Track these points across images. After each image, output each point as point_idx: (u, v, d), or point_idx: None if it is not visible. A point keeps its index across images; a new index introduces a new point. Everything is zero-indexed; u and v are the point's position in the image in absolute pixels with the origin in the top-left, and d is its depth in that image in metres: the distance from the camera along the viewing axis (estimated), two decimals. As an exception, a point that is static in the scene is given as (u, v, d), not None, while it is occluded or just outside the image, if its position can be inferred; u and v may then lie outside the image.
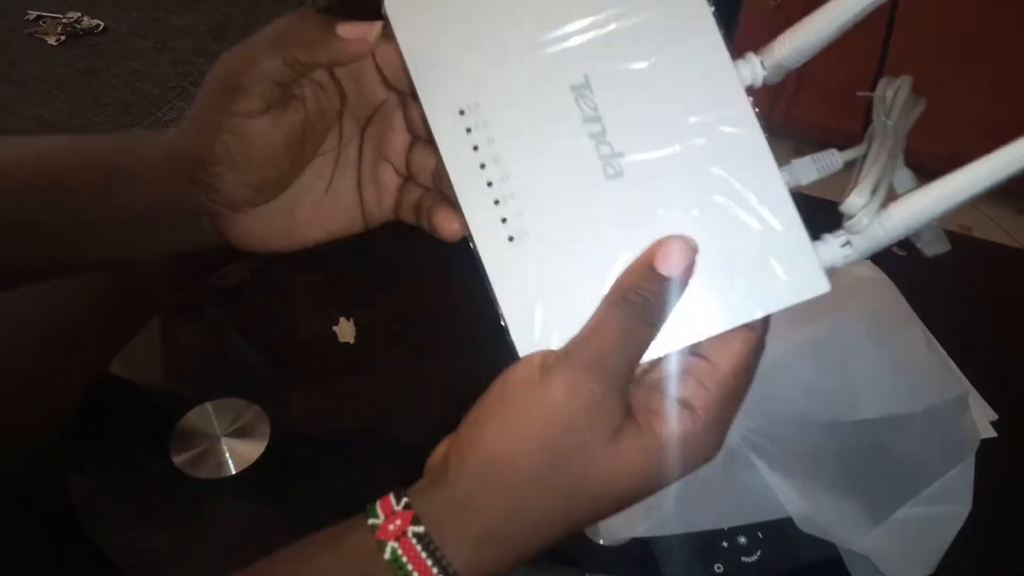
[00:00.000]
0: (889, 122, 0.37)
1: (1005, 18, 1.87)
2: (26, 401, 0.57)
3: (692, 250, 0.33)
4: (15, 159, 0.46)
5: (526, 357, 0.34)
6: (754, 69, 0.37)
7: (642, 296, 0.32)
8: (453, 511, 0.33)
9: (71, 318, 0.60)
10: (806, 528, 0.53)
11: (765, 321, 0.35)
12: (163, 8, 0.98)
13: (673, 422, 0.33)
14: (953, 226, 2.09)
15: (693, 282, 0.34)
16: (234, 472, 0.53)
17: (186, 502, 0.52)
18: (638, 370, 0.35)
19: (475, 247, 0.35)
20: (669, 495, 0.52)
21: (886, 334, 0.58)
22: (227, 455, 0.53)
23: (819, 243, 0.35)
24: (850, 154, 0.38)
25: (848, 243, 0.35)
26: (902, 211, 0.34)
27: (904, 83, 0.37)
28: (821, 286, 0.35)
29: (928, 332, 0.62)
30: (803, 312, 0.59)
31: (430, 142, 0.36)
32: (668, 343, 0.34)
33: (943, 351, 0.63)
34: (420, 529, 0.32)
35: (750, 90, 0.37)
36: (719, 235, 0.34)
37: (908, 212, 0.34)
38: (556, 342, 0.34)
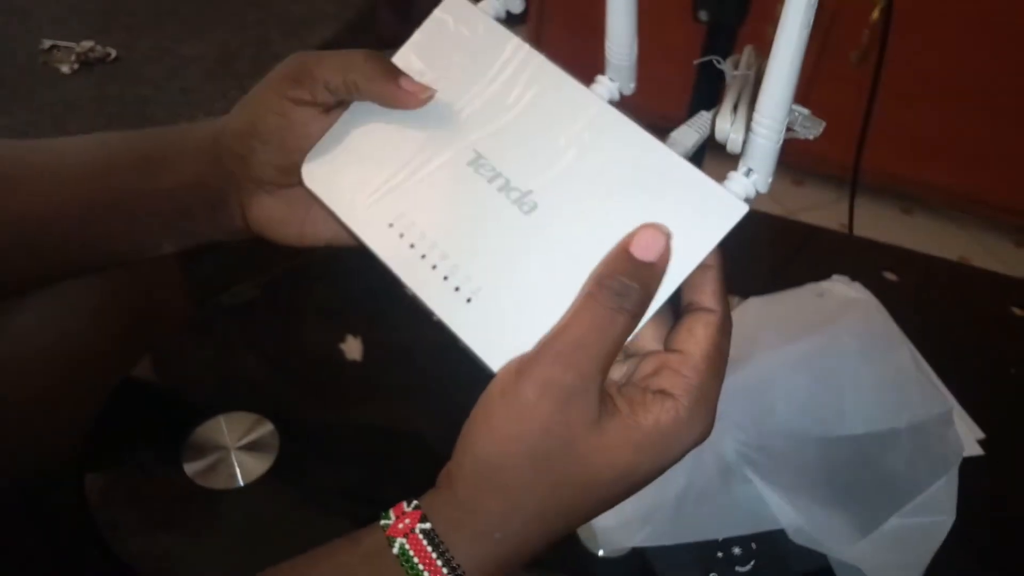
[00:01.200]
0: (736, 72, 0.40)
1: (995, 59, 1.90)
2: (45, 414, 0.59)
3: (665, 235, 0.34)
4: (73, 149, 0.49)
5: (507, 363, 0.36)
6: (605, 85, 0.42)
7: (618, 282, 0.34)
8: (455, 511, 0.35)
9: (90, 334, 0.62)
10: (798, 539, 0.54)
11: (725, 303, 0.37)
12: (174, 39, 1.01)
13: (655, 411, 0.34)
14: (953, 257, 2.13)
15: None
16: (243, 484, 0.54)
17: (199, 511, 0.53)
18: (621, 373, 0.37)
19: (439, 320, 0.39)
20: (666, 506, 0.54)
21: (875, 352, 0.60)
22: (237, 467, 0.55)
23: (727, 182, 0.38)
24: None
25: (749, 169, 0.38)
26: (762, 110, 0.36)
27: (748, 49, 0.42)
28: (740, 208, 0.37)
29: (915, 351, 0.64)
30: (795, 330, 0.62)
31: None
32: None
33: (930, 369, 0.65)
34: (427, 526, 0.34)
35: (617, 104, 0.41)
36: (640, 213, 0.37)
37: (766, 106, 0.35)
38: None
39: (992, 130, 1.99)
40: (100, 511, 0.52)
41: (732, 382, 0.57)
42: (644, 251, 0.34)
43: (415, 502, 0.35)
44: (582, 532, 0.56)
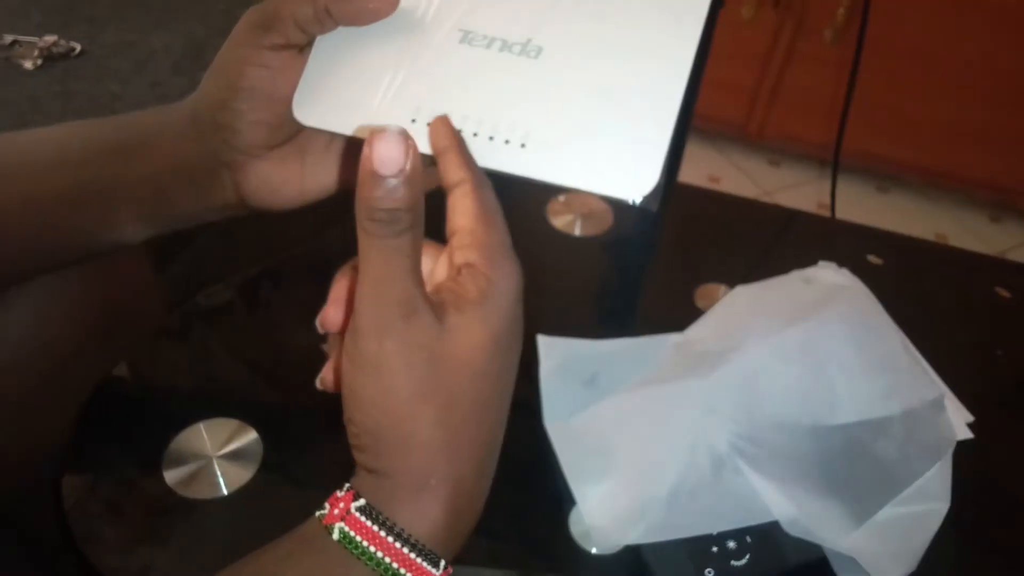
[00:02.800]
0: None
1: (968, 37, 1.91)
2: (18, 422, 0.57)
3: (399, 136, 0.32)
4: (45, 140, 0.48)
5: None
6: None
7: (383, 212, 0.32)
8: (380, 482, 0.34)
9: (63, 340, 0.61)
10: (792, 531, 0.54)
11: (469, 166, 0.38)
12: (139, 31, 0.99)
13: (470, 285, 0.35)
14: (929, 234, 2.15)
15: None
16: (227, 492, 0.53)
17: (181, 522, 0.52)
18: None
19: (508, 173, 0.41)
20: (659, 502, 0.54)
21: (864, 340, 0.60)
22: (220, 475, 0.54)
23: None
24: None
25: None
26: None
27: None
28: (650, 182, 0.40)
29: (905, 337, 0.63)
30: (783, 319, 0.61)
31: None
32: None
33: (919, 355, 0.64)
34: (361, 503, 0.34)
35: None
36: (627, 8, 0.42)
37: None
38: None
39: (965, 107, 2.00)
40: (78, 524, 0.50)
41: (721, 374, 0.58)
42: (388, 165, 0.32)
43: (346, 485, 0.35)
44: (575, 529, 0.55)
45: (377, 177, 0.32)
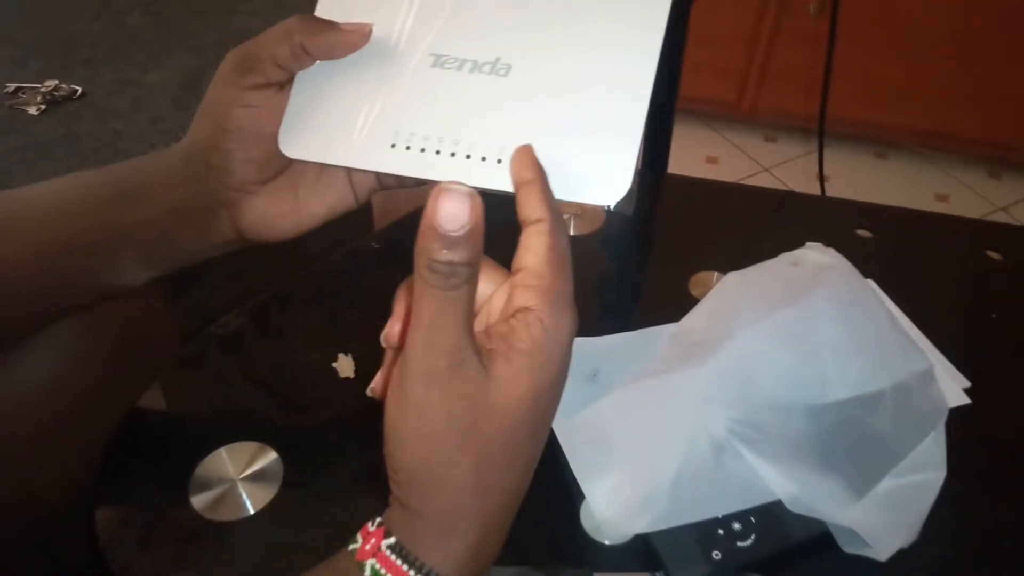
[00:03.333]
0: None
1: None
2: (45, 463, 0.60)
3: (466, 195, 0.33)
4: (45, 192, 0.50)
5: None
6: None
7: (443, 265, 0.33)
8: (412, 520, 0.36)
9: (82, 380, 0.63)
10: (795, 508, 0.56)
11: (551, 207, 0.38)
12: (136, 67, 1.01)
13: (523, 331, 0.35)
14: (930, 196, 2.15)
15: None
16: (252, 512, 0.56)
17: (211, 545, 0.54)
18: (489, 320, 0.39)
19: (490, 190, 0.42)
20: (663, 490, 0.56)
21: (851, 317, 0.61)
22: (245, 497, 0.56)
23: None
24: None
25: None
26: None
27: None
28: (622, 187, 0.42)
29: (891, 311, 0.65)
30: (772, 303, 0.63)
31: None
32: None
33: (906, 328, 0.66)
34: (392, 541, 0.35)
35: None
36: (592, 14, 0.45)
37: None
38: None
39: (955, 69, 2.00)
40: (114, 556, 0.53)
41: (715, 362, 0.60)
42: (452, 223, 0.33)
43: (378, 519, 0.37)
44: (586, 523, 0.57)
45: (439, 231, 0.33)
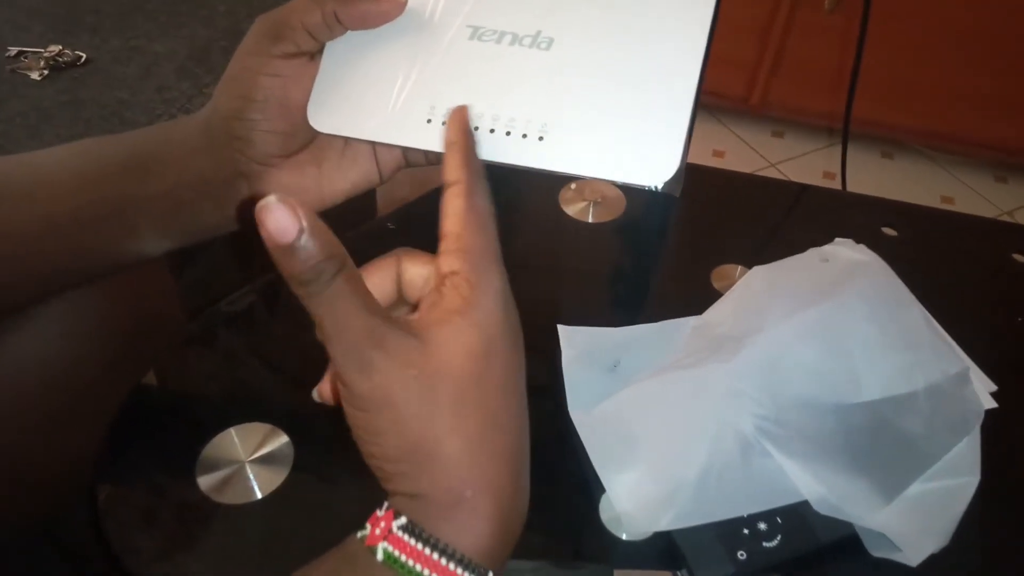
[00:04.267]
0: None
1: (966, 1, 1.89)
2: (50, 440, 0.58)
3: (280, 201, 0.31)
4: (59, 159, 0.48)
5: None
6: None
7: (303, 274, 0.32)
8: (416, 503, 0.34)
9: (88, 355, 0.61)
10: (822, 509, 0.54)
11: (468, 168, 0.38)
12: (143, 36, 0.99)
13: (452, 294, 0.35)
14: (935, 198, 2.14)
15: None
16: (261, 496, 0.54)
17: (217, 527, 0.52)
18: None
19: (528, 166, 0.42)
20: (688, 486, 0.54)
21: (885, 315, 0.60)
22: (253, 480, 0.54)
23: None
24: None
25: None
26: None
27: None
28: (671, 166, 0.40)
29: (926, 312, 0.63)
30: (802, 298, 0.61)
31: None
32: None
33: (941, 329, 0.64)
34: (402, 520, 0.34)
35: None
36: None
37: None
38: None
39: (966, 71, 1.99)
40: (114, 533, 0.51)
41: (744, 357, 0.58)
42: (286, 233, 0.31)
43: (385, 503, 0.35)
44: (604, 516, 0.56)
45: (284, 248, 0.31)
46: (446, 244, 0.36)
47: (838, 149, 2.24)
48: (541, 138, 0.41)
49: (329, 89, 0.45)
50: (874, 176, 2.17)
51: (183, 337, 0.64)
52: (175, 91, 0.92)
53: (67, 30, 0.98)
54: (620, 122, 0.41)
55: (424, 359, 0.34)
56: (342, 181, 0.48)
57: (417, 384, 0.33)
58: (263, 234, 0.31)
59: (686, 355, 0.62)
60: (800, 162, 2.20)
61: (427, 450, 0.34)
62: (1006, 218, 2.10)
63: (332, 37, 0.44)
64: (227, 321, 0.65)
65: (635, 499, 0.55)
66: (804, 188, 0.92)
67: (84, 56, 0.94)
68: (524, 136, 0.41)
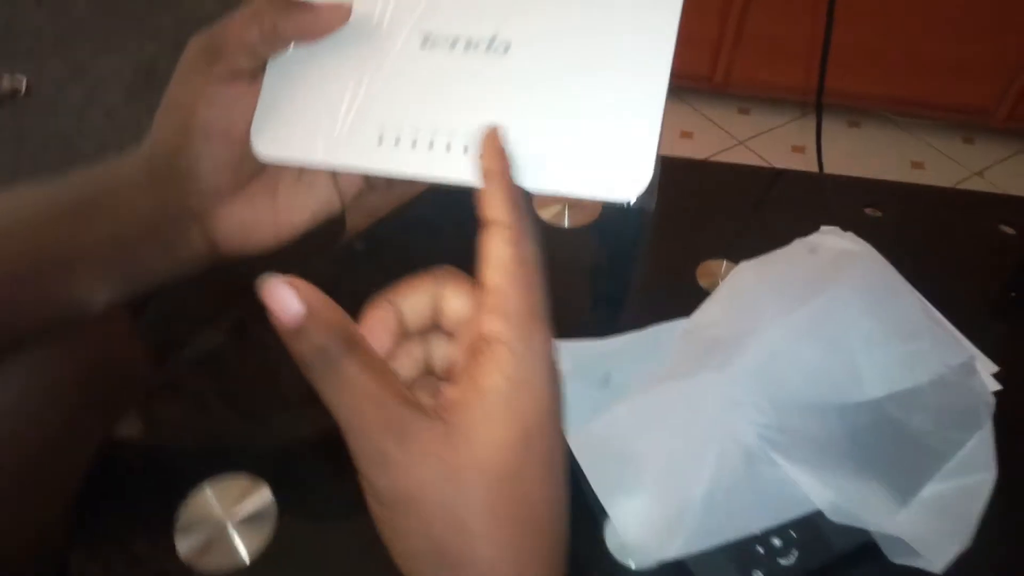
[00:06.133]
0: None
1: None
2: (14, 508, 0.54)
3: (277, 282, 0.29)
4: None
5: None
6: None
7: (310, 354, 0.29)
8: None
9: (48, 413, 0.57)
10: (836, 517, 0.52)
11: (516, 208, 0.33)
12: (86, 54, 0.94)
13: (489, 366, 0.30)
14: (906, 163, 2.14)
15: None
16: (248, 561, 0.50)
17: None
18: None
19: None
20: (695, 508, 0.51)
21: (881, 309, 0.58)
22: (237, 540, 0.51)
23: None
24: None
25: None
26: None
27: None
28: (643, 179, 0.37)
29: (923, 299, 0.61)
30: (794, 295, 0.59)
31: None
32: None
33: (940, 316, 0.62)
34: None
35: None
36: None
37: None
38: None
39: (928, 34, 1.98)
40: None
41: (740, 364, 0.55)
42: (290, 313, 0.29)
43: None
44: (611, 543, 0.53)
45: (287, 327, 0.29)
46: (489, 300, 0.31)
47: (805, 122, 2.24)
48: None
49: (272, 111, 0.41)
50: (843, 146, 2.16)
51: (149, 386, 0.60)
52: (123, 114, 0.88)
53: (5, 52, 0.93)
54: (585, 133, 0.38)
55: (452, 451, 0.29)
56: (300, 211, 0.44)
57: (444, 481, 0.29)
58: (271, 318, 0.29)
59: (679, 362, 0.59)
60: (768, 137, 2.18)
61: (456, 556, 0.30)
62: (976, 179, 2.09)
63: (274, 53, 0.41)
64: (195, 366, 0.62)
65: (641, 526, 0.52)
66: (780, 173, 0.90)
67: (25, 81, 0.89)
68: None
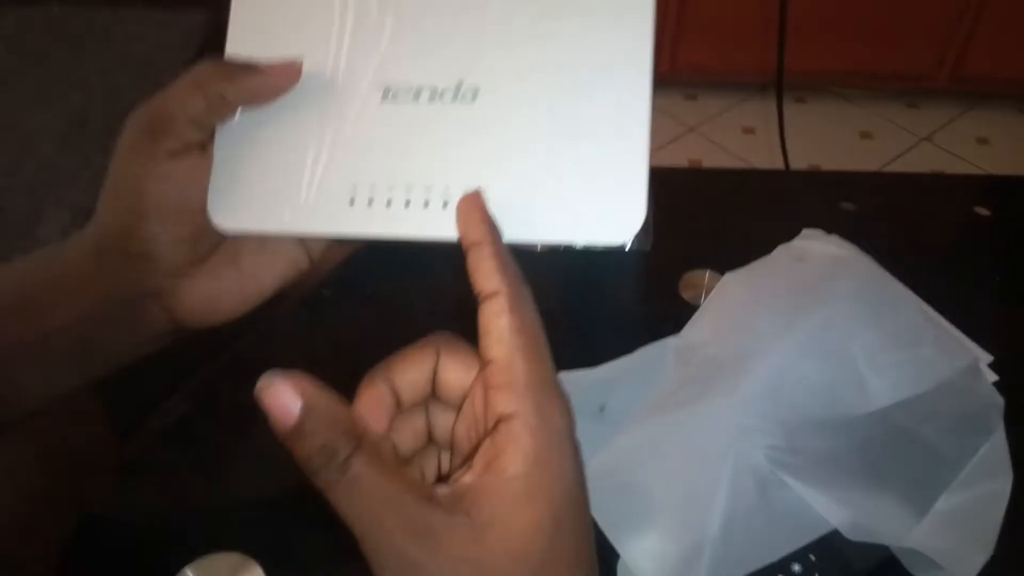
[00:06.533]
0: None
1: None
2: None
3: (276, 378, 0.28)
4: None
5: None
6: None
7: (317, 459, 0.27)
8: None
9: (10, 509, 0.53)
10: (854, 536, 0.50)
11: (506, 273, 0.31)
12: (14, 112, 0.89)
13: (511, 448, 0.28)
14: (854, 134, 2.15)
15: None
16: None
17: None
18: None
19: None
20: (713, 541, 0.49)
21: (879, 316, 0.56)
22: (231, 627, 0.47)
23: None
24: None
25: None
26: None
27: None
28: (637, 219, 0.35)
29: (920, 300, 0.59)
30: (786, 308, 0.57)
31: None
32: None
33: (939, 316, 0.60)
34: None
35: None
36: (567, 31, 0.37)
37: None
38: None
39: (864, 4, 1.99)
40: None
41: (742, 387, 0.53)
42: (290, 414, 0.27)
43: None
44: (623, 579, 0.51)
45: (290, 433, 0.27)
46: (496, 377, 0.30)
47: (752, 104, 2.24)
48: None
49: (229, 182, 0.38)
50: (791, 123, 2.15)
51: (117, 464, 0.56)
52: (57, 168, 0.84)
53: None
54: (568, 177, 0.35)
55: (484, 550, 0.27)
56: (267, 276, 0.42)
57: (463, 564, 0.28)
58: (269, 421, 0.28)
59: (678, 387, 0.57)
60: (718, 122, 2.17)
61: None
62: (925, 144, 2.11)
63: (221, 121, 0.38)
64: (163, 436, 0.58)
65: (656, 565, 0.50)
66: (748, 174, 0.88)
67: (-52, 145, 0.84)
68: None
